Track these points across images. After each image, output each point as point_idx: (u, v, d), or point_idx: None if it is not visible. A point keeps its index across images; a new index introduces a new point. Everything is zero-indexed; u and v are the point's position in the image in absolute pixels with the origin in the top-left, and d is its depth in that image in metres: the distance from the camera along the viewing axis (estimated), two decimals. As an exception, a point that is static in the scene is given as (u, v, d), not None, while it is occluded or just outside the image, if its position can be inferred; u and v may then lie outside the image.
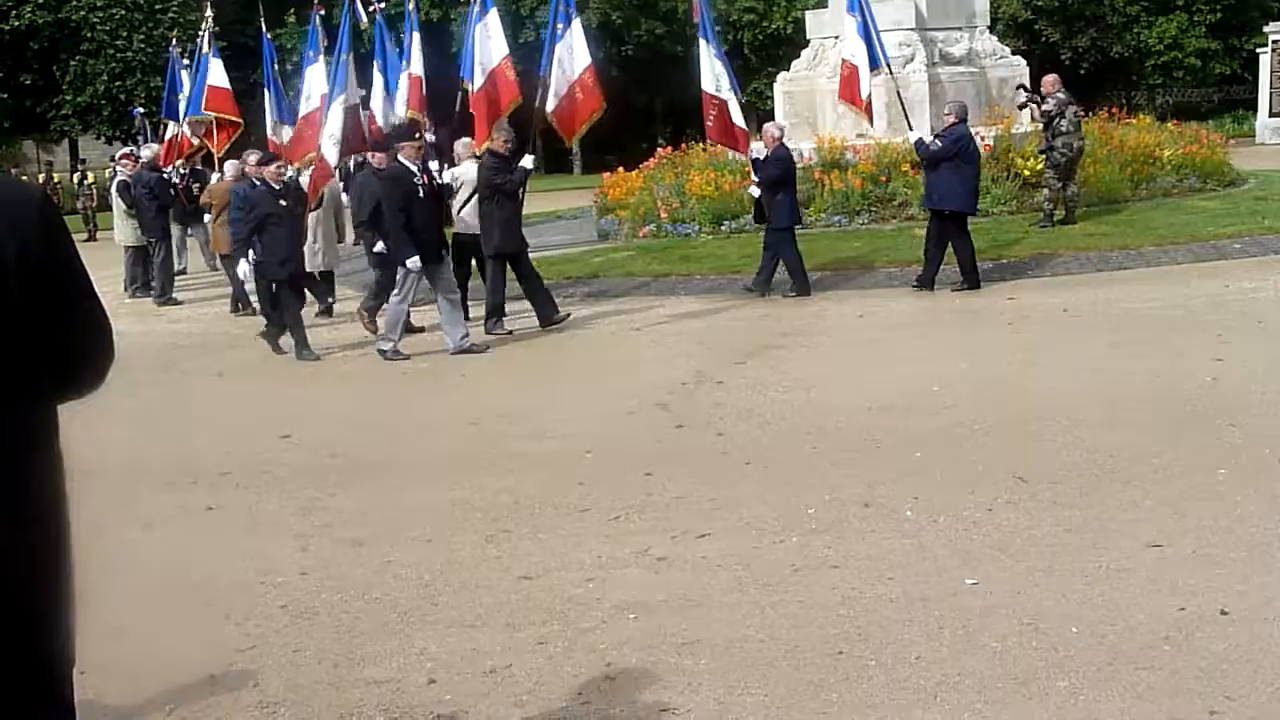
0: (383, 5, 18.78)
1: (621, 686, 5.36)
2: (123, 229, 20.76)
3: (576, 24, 15.60)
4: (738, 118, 15.59)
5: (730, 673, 5.39)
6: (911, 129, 16.11)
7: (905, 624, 5.77)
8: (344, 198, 17.51)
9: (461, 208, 15.45)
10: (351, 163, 20.65)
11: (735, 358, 12.33)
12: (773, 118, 21.09)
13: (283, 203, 14.05)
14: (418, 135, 14.24)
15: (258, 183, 14.20)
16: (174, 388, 13.37)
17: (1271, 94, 39.61)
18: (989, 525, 7.03)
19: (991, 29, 24.56)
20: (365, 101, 16.94)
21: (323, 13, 17.28)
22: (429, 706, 5.30)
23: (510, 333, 14.50)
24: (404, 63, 17.05)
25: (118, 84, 46.09)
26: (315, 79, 16.02)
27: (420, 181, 13.63)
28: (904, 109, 16.44)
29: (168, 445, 10.59)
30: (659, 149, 19.42)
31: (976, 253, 15.45)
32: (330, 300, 17.16)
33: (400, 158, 13.74)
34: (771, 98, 25.72)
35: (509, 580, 6.72)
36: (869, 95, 16.03)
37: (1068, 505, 7.28)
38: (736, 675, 5.36)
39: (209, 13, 22.51)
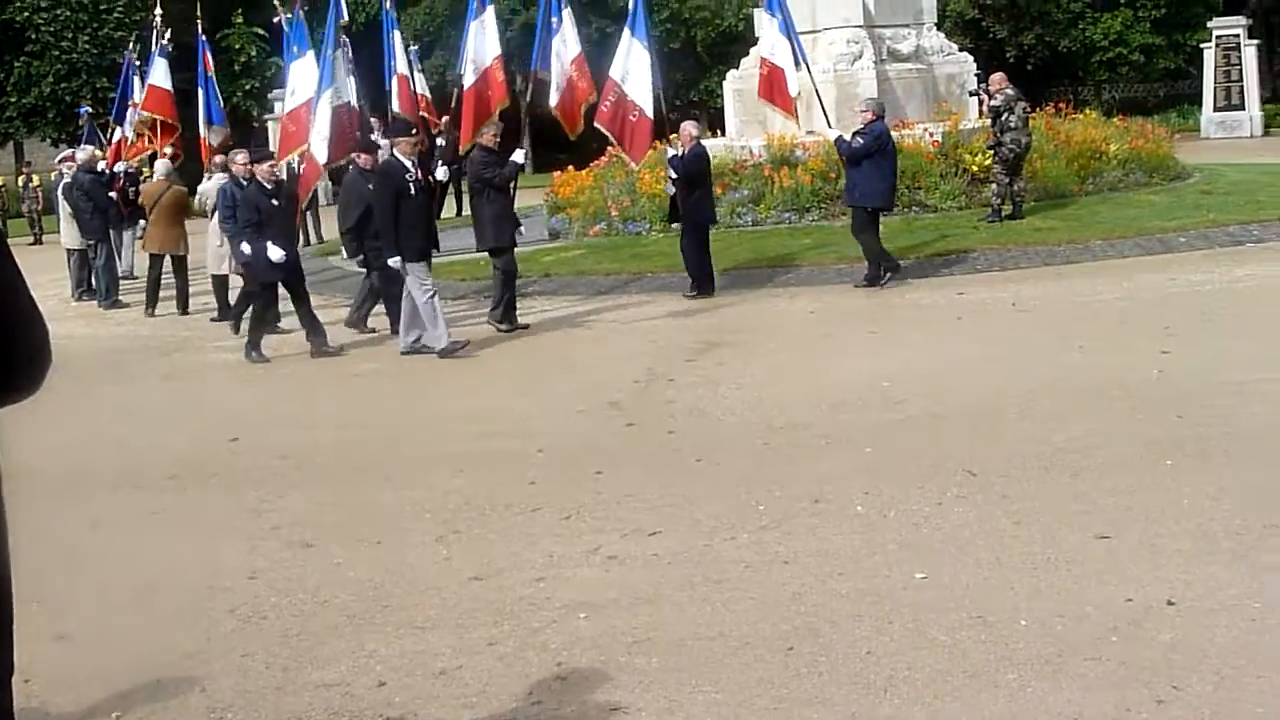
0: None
1: (572, 686, 5.34)
2: (68, 232, 20.58)
3: (568, 13, 15.59)
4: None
5: (681, 671, 5.38)
6: (831, 126, 16.12)
7: (856, 619, 5.78)
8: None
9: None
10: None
11: (686, 355, 12.33)
12: (721, 115, 21.11)
13: (274, 202, 13.80)
14: (415, 131, 14.00)
15: (246, 181, 14.11)
16: (120, 390, 13.25)
17: (1215, 89, 39.96)
18: (939, 519, 7.06)
19: (939, 26, 24.68)
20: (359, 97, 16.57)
21: (306, 8, 16.96)
22: (379, 709, 5.27)
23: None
24: (392, 63, 16.80)
25: (63, 85, 45.59)
26: (300, 75, 15.68)
27: (413, 178, 13.38)
28: (823, 107, 16.37)
29: (114, 448, 10.50)
30: (609, 147, 19.32)
31: (924, 246, 15.50)
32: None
33: (395, 152, 13.57)
34: (722, 96, 25.72)
35: (459, 581, 6.69)
36: (797, 93, 15.96)
37: (1017, 498, 7.31)
38: (687, 673, 5.35)
39: (157, 11, 22.28)
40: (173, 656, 5.94)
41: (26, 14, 45.32)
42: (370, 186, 14.26)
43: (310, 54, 15.83)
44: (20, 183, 37.19)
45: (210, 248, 16.97)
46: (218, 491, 8.93)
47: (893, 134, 20.03)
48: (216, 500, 8.72)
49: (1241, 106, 39.40)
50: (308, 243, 26.13)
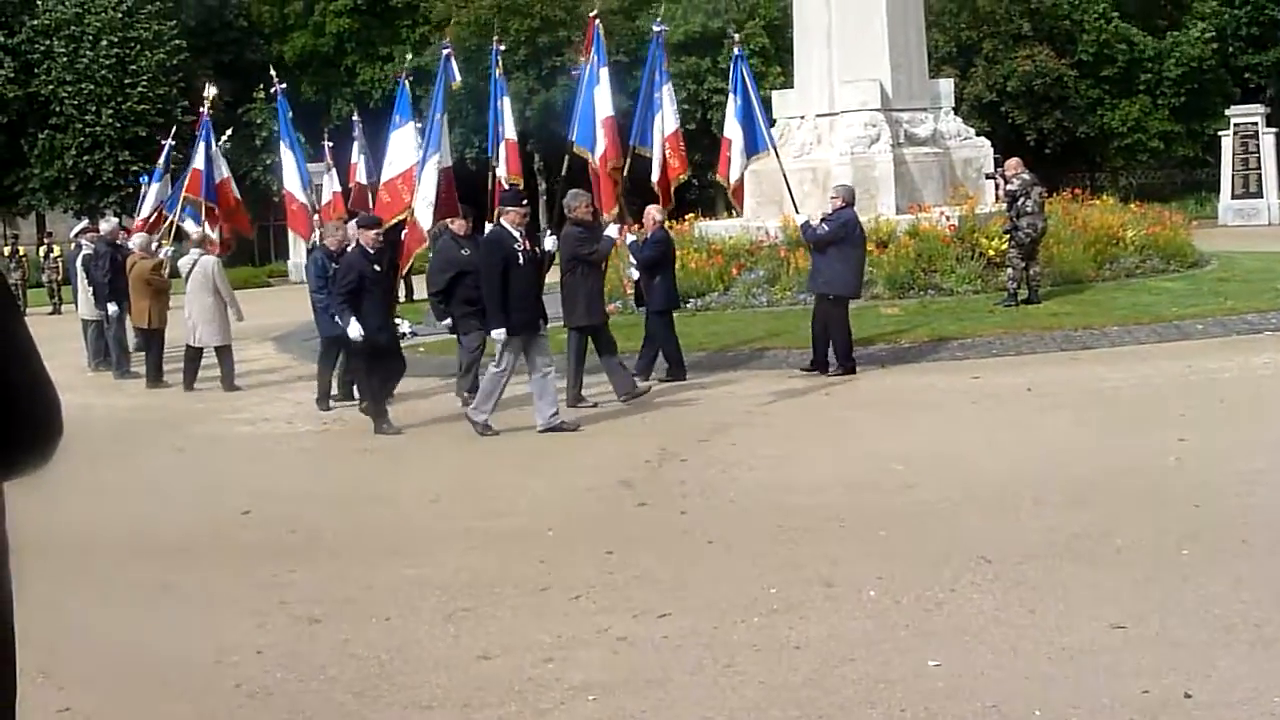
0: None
1: (579, 770, 5.27)
2: (84, 303, 20.69)
3: (668, 89, 15.49)
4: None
5: (689, 756, 5.30)
6: (798, 212, 16.06)
7: (867, 706, 5.70)
8: (217, 272, 17.77)
9: None
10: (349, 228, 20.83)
11: (699, 435, 12.28)
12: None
13: (376, 268, 13.64)
14: (524, 201, 13.74)
15: (333, 251, 14.35)
16: (133, 461, 13.23)
17: (1234, 176, 40.09)
18: (952, 606, 6.98)
19: (956, 110, 24.83)
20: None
21: (410, 79, 16.81)
22: (382, 790, 5.20)
23: (595, 405, 14.24)
24: (500, 128, 16.53)
25: (86, 158, 46.08)
26: (400, 145, 15.52)
27: (521, 248, 13.04)
28: (790, 192, 16.33)
29: (125, 520, 10.45)
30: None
31: (939, 332, 15.48)
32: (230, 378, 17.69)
33: (503, 222, 13.23)
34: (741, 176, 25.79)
35: (467, 660, 6.63)
36: (740, 177, 16.09)
37: (1031, 585, 7.23)
38: (696, 758, 5.27)
39: (209, 93, 22.31)
40: (176, 733, 5.88)
41: (51, 87, 45.90)
42: (464, 252, 14.23)
43: (411, 124, 15.73)
44: (41, 253, 37.48)
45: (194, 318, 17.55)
46: (227, 565, 8.88)
47: (907, 216, 20.17)
48: (226, 574, 8.67)
49: (1259, 194, 39.53)
50: (398, 299, 26.27)
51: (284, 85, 21.26)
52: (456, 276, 14.26)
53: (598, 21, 15.45)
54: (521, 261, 12.93)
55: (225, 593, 8.23)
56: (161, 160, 24.80)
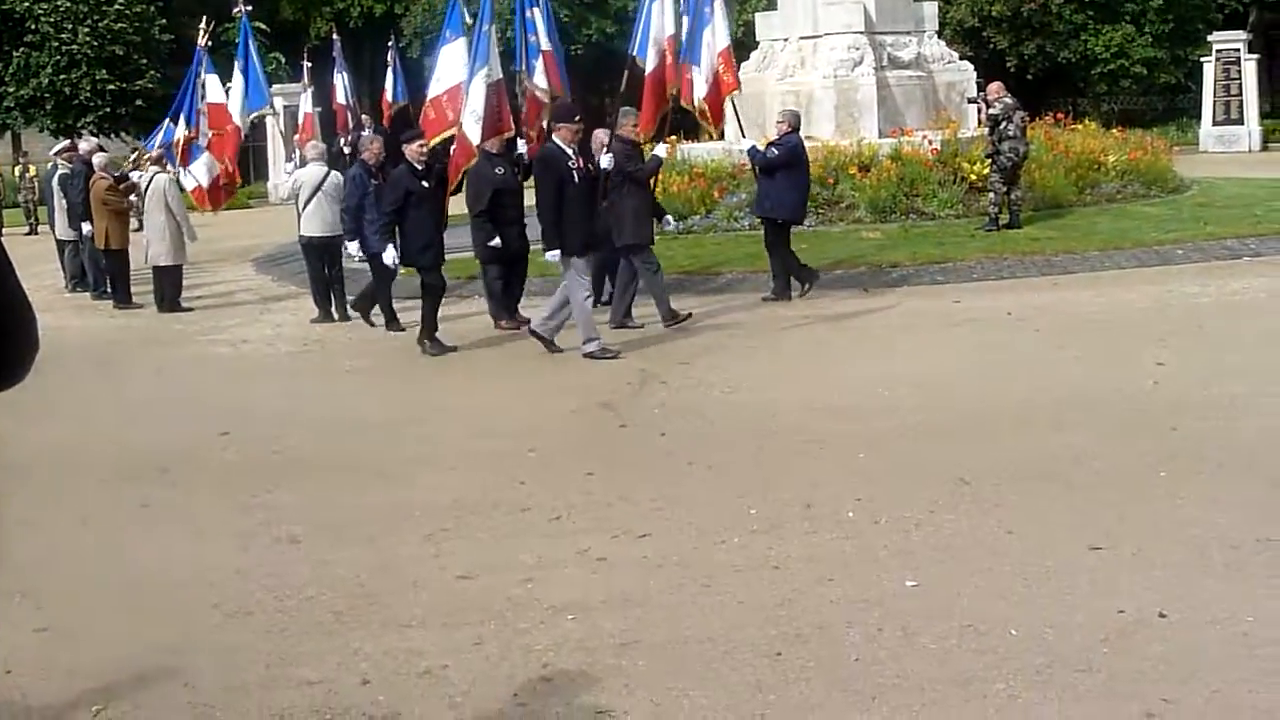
0: None
1: (558, 688, 5.30)
2: (61, 223, 20.51)
3: (720, 3, 14.71)
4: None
5: (668, 674, 5.34)
6: (744, 136, 15.90)
7: (845, 625, 5.74)
8: (169, 190, 17.63)
9: (304, 208, 15.77)
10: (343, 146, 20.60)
11: (680, 358, 12.28)
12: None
13: (424, 184, 13.34)
14: (577, 118, 13.10)
15: (374, 167, 14.16)
16: (110, 383, 13.18)
17: (1215, 103, 39.96)
18: (930, 527, 7.02)
19: (940, 34, 24.65)
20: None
21: None
22: (362, 708, 5.22)
23: (641, 326, 13.90)
24: (533, 38, 15.48)
25: (62, 77, 45.47)
26: (448, 60, 14.92)
27: (575, 166, 12.65)
28: (738, 118, 16.06)
29: (104, 441, 10.42)
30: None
31: (920, 256, 15.45)
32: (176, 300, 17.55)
33: (555, 139, 12.85)
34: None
35: (446, 580, 6.65)
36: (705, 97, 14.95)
37: (1010, 507, 7.28)
38: (674, 677, 5.31)
39: (205, 25, 21.66)
40: (156, 651, 5.89)
41: (26, 4, 45.25)
42: (498, 170, 13.90)
43: (461, 39, 15.05)
44: (16, 173, 37.11)
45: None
46: (207, 486, 8.88)
47: (890, 140, 20.08)
48: (206, 495, 8.66)
49: (1240, 121, 39.40)
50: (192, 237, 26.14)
51: (249, 7, 20.94)
52: (497, 195, 13.87)
53: None
54: (576, 180, 12.60)
55: (205, 513, 8.24)
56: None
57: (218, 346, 14.77)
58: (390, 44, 25.26)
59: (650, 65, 14.44)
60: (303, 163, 17.03)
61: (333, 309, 15.82)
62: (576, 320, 12.69)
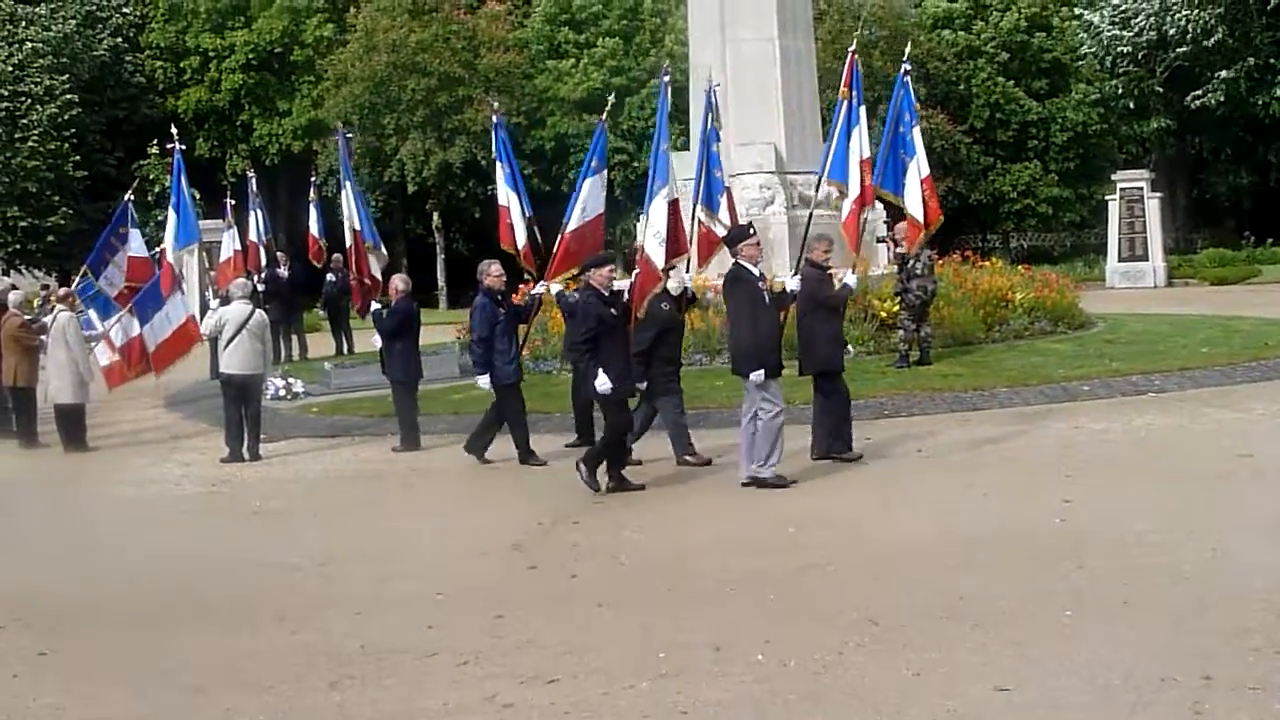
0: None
1: (461, 842, 5.20)
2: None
3: (918, 130, 14.74)
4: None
5: (573, 826, 5.26)
6: (542, 280, 15.68)
7: (753, 772, 5.69)
8: (70, 328, 17.51)
9: (226, 345, 15.67)
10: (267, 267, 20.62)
11: (593, 497, 12.24)
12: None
13: (613, 311, 12.74)
14: (752, 233, 12.85)
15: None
16: (12, 526, 12.93)
17: (1120, 240, 40.91)
18: (839, 669, 7.01)
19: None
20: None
21: (609, 122, 15.89)
22: None
23: (859, 457, 13.45)
24: (718, 174, 15.74)
25: (-25, 212, 45.30)
26: (593, 190, 14.99)
27: (763, 286, 12.50)
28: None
29: (2, 587, 10.18)
30: (521, 285, 19.29)
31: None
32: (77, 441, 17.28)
33: (740, 260, 12.54)
34: (635, 234, 25.97)
35: (351, 729, 6.53)
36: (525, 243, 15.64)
37: (917, 648, 7.28)
38: (579, 828, 5.23)
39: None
40: (47, 808, 5.72)
41: (-61, 136, 45.13)
42: (664, 306, 13.57)
43: (605, 171, 15.18)
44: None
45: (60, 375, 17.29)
46: (108, 633, 8.70)
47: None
48: (106, 642, 8.49)
49: (1145, 257, 40.33)
50: (289, 357, 26.04)
51: (184, 147, 21.02)
52: (661, 335, 13.56)
53: (856, 57, 14.48)
54: (767, 301, 12.47)
55: (104, 661, 8.06)
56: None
57: (124, 488, 14.55)
58: (312, 180, 25.47)
59: (853, 191, 14.08)
60: (226, 300, 16.95)
61: (244, 449, 15.66)
62: (763, 438, 12.27)
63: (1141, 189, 40.98)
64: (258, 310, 16.16)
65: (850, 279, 13.83)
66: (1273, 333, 21.19)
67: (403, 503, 12.94)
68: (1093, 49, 51.85)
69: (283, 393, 20.32)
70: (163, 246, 20.12)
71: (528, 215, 16.16)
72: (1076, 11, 52.20)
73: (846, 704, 6.48)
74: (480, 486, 13.52)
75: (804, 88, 23.65)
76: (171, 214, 20.03)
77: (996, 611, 7.91)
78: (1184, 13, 47.99)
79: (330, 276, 26.79)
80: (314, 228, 25.30)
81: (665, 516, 11.46)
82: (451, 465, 14.69)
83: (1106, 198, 42.47)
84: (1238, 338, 20.98)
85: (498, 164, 16.51)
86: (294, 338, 27.42)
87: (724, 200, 14.67)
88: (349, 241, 17.69)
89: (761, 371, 12.16)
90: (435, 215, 51.91)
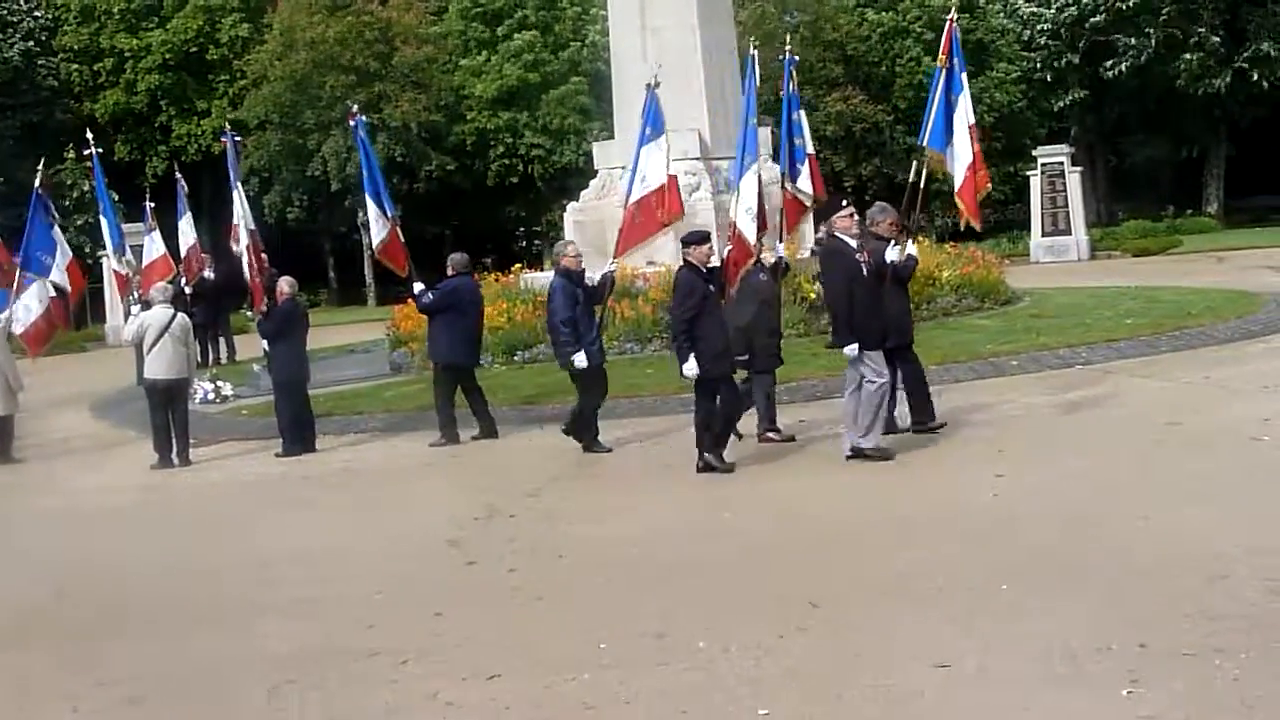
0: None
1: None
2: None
3: (964, 78, 13.85)
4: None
5: (519, 821, 5.24)
6: (413, 278, 15.77)
7: (697, 760, 5.69)
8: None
9: (149, 350, 15.46)
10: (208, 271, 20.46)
11: (528, 490, 12.21)
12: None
13: (710, 287, 12.51)
14: (845, 204, 12.55)
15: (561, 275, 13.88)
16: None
17: (1043, 214, 41.33)
18: (780, 652, 7.02)
19: (775, 158, 25.17)
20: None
21: (658, 85, 15.19)
22: None
23: (944, 425, 13.20)
24: (799, 141, 15.06)
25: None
26: (653, 158, 14.48)
27: (863, 259, 12.20)
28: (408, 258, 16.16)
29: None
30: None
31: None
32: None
33: (837, 232, 12.40)
34: (562, 226, 25.99)
35: (291, 734, 6.48)
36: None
37: (856, 628, 7.32)
38: (526, 824, 5.21)
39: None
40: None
41: None
42: (762, 276, 13.48)
43: (664, 136, 14.72)
44: None
45: None
46: (40, 646, 8.56)
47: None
48: (38, 655, 8.36)
49: (1068, 231, 40.80)
50: (217, 360, 25.76)
51: (100, 150, 20.75)
52: (762, 308, 13.41)
53: (955, 24, 13.86)
54: (865, 273, 12.21)
55: (38, 674, 7.94)
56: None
57: (52, 498, 14.34)
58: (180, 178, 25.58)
59: (964, 157, 13.59)
60: (147, 305, 16.72)
61: (174, 454, 15.48)
62: (865, 408, 12.07)
63: (1062, 164, 41.44)
64: (180, 314, 15.95)
65: (912, 248, 13.44)
66: (1194, 301, 21.48)
67: (337, 502, 12.84)
68: (1014, 26, 52.38)
69: (212, 396, 20.11)
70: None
71: (391, 215, 16.12)
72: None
73: (787, 687, 6.50)
74: (414, 483, 13.43)
75: (726, 74, 23.67)
76: (102, 219, 19.81)
77: (934, 589, 7.96)
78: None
79: (208, 274, 26.52)
80: (252, 225, 25.14)
81: (602, 507, 11.45)
82: (385, 463, 14.62)
83: (1028, 173, 42.88)
84: (1160, 308, 21.23)
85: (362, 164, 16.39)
86: (221, 340, 27.18)
87: (805, 168, 14.62)
88: (245, 242, 17.55)
89: (855, 345, 12.00)
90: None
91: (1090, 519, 9.34)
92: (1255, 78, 49.15)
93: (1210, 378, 15.13)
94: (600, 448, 13.82)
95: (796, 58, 16.25)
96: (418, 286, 15.57)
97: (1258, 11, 49.18)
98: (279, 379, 15.89)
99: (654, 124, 14.70)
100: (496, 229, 52.47)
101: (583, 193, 24.49)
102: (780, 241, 14.72)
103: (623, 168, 23.29)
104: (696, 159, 22.36)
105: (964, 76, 13.80)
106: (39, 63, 51.42)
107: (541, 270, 22.91)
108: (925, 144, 13.75)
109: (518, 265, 26.04)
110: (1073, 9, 50.14)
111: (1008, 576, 8.05)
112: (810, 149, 15.20)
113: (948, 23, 13.86)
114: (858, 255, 12.21)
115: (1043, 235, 41.23)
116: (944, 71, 13.62)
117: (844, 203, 12.74)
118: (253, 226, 17.59)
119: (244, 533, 11.92)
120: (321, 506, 12.72)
